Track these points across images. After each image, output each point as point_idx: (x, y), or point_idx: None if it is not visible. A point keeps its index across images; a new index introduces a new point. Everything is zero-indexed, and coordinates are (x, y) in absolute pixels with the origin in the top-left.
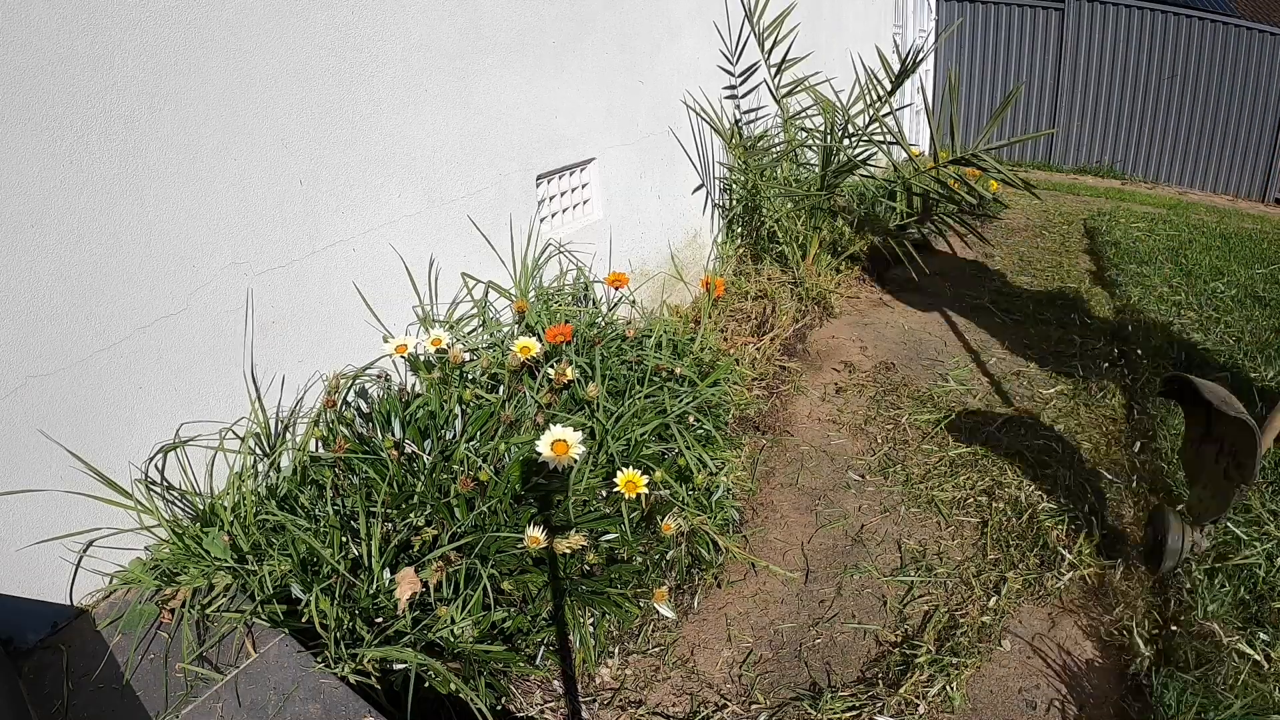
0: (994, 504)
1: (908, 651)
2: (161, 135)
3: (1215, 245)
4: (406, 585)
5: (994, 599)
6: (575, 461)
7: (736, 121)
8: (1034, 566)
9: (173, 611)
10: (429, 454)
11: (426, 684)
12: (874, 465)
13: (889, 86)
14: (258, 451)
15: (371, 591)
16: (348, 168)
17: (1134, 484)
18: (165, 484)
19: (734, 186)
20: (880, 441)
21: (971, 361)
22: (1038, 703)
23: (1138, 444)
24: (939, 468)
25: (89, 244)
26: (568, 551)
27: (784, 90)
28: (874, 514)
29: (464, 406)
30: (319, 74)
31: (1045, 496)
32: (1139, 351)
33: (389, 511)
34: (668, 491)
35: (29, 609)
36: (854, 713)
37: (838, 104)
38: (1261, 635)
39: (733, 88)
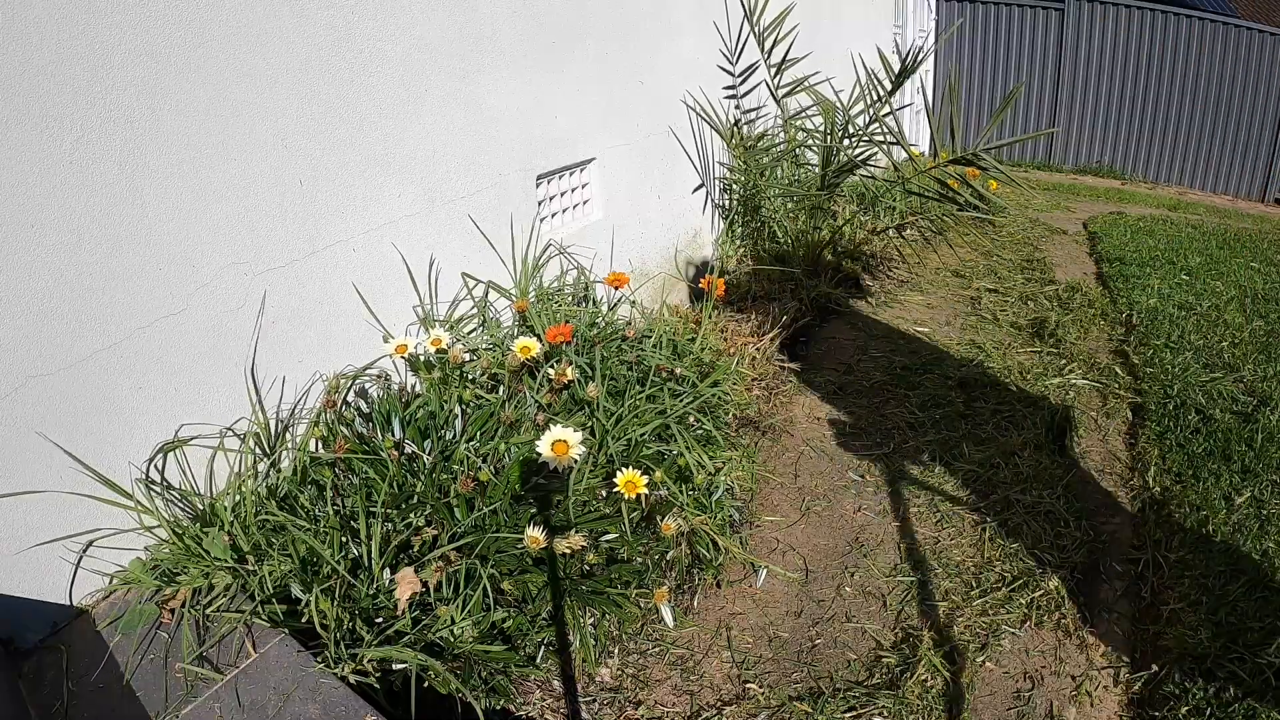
0: (992, 503)
1: (907, 652)
2: (161, 135)
3: (1214, 246)
4: (406, 585)
5: (993, 599)
6: (575, 462)
7: (736, 122)
8: (1033, 566)
9: (173, 611)
10: (429, 454)
11: (426, 684)
12: (874, 464)
13: (889, 86)
14: (258, 451)
15: (371, 591)
16: (348, 167)
17: (1131, 480)
18: (165, 484)
19: (734, 186)
20: (880, 441)
21: (972, 361)
22: (1037, 703)
23: (1136, 445)
24: (938, 467)
25: (89, 244)
26: (568, 551)
27: (784, 90)
28: (873, 514)
29: (464, 406)
30: (319, 74)
31: (1044, 495)
32: (1138, 351)
33: (389, 511)
34: (667, 491)
35: (29, 609)
36: (853, 713)
37: (838, 104)
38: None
39: (733, 88)
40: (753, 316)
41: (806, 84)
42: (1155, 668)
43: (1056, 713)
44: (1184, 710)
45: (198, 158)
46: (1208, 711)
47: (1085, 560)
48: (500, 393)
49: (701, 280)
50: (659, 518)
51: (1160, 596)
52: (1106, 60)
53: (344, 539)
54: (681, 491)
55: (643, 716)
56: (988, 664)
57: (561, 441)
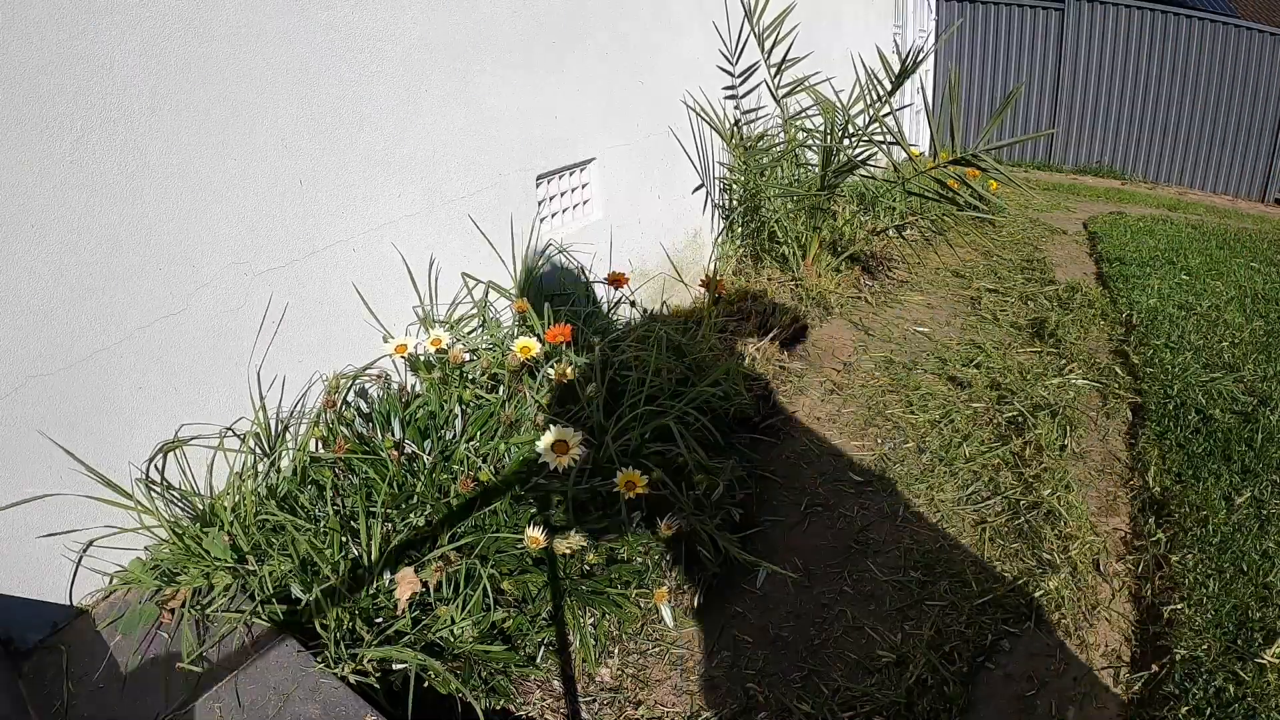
0: (994, 504)
1: (908, 653)
2: (161, 135)
3: (1214, 246)
4: (406, 585)
5: (993, 599)
6: (575, 462)
7: (736, 122)
8: (1033, 566)
9: (173, 611)
10: (429, 454)
11: (426, 684)
12: (874, 465)
13: (889, 87)
14: (258, 451)
15: (371, 591)
16: (348, 167)
17: (1131, 480)
18: (165, 484)
19: (734, 186)
20: (880, 441)
21: (972, 360)
22: (1038, 703)
23: (1136, 445)
24: (938, 468)
25: (89, 244)
26: (568, 551)
27: (784, 90)
28: (874, 514)
29: (464, 406)
30: (319, 74)
31: (1045, 495)
32: (1138, 351)
33: (389, 511)
34: (667, 491)
35: (29, 609)
36: (853, 713)
37: (838, 104)
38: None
39: (733, 88)
40: (753, 316)
41: (806, 84)
42: (1155, 668)
43: (1057, 713)
44: (1184, 710)
45: (198, 158)
46: (1208, 711)
47: (1085, 560)
48: (500, 393)
49: (701, 279)
50: (659, 518)
51: (1160, 596)
52: (1106, 60)
53: (344, 539)
54: (681, 491)
55: (643, 716)
56: (988, 664)
57: (562, 442)
